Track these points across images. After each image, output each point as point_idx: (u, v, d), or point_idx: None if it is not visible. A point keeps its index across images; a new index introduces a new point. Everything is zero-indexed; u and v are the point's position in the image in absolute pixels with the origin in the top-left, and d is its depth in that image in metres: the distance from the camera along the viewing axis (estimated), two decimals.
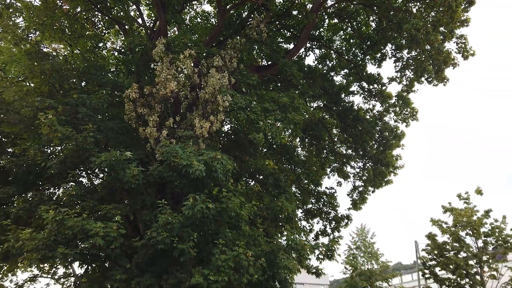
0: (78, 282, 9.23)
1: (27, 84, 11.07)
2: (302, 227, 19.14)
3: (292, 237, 10.69)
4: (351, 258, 28.34)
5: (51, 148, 10.61)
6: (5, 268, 12.65)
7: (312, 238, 19.16)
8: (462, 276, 19.24)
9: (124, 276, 8.62)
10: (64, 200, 9.26)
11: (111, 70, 13.50)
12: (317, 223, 19.58)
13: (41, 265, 9.45)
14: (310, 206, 18.89)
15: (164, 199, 9.64)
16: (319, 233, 18.95)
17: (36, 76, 10.26)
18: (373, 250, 28.06)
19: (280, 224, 11.44)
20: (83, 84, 11.46)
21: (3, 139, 11.03)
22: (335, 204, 18.74)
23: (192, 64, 11.13)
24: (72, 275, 12.20)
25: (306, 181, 19.18)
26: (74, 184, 9.64)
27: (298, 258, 11.15)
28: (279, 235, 11.06)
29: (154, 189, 10.55)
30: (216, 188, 9.83)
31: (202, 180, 10.08)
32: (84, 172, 10.99)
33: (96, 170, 10.72)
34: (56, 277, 12.47)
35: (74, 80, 11.04)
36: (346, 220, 18.25)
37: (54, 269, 12.38)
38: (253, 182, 13.31)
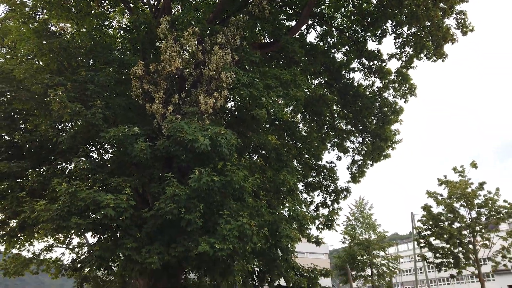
0: (91, 251, 9.80)
1: (37, 62, 11.34)
2: (303, 199, 19.82)
3: (293, 208, 11.24)
4: (349, 229, 29.36)
5: (62, 124, 10.99)
6: (22, 238, 13.29)
7: (313, 209, 19.87)
8: (455, 245, 20.07)
9: (134, 245, 9.18)
10: (76, 174, 9.72)
11: (117, 48, 13.71)
12: (317, 196, 20.23)
13: (56, 235, 10.00)
14: (311, 179, 19.46)
15: (171, 173, 10.14)
16: (319, 205, 19.61)
17: (45, 54, 10.51)
18: (370, 221, 29.01)
19: (282, 196, 11.98)
20: (90, 62, 11.72)
21: (15, 116, 11.39)
22: (335, 177, 19.31)
23: (196, 42, 11.37)
24: (85, 244, 12.87)
25: (307, 156, 19.66)
26: (84, 158, 10.07)
27: (299, 228, 11.78)
28: (281, 206, 11.60)
29: (161, 163, 11.04)
30: (221, 162, 10.29)
31: (207, 154, 10.54)
32: (94, 147, 11.45)
33: (106, 146, 11.17)
34: (71, 246, 13.13)
35: (82, 58, 11.30)
36: (345, 193, 18.85)
37: (68, 239, 13.03)
38: (256, 157, 13.77)
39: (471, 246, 20.37)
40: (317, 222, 12.08)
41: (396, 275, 34.06)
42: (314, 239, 13.16)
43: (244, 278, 11.42)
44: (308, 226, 11.60)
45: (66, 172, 10.90)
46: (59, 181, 8.90)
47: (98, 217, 8.49)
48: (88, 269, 9.66)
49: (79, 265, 10.12)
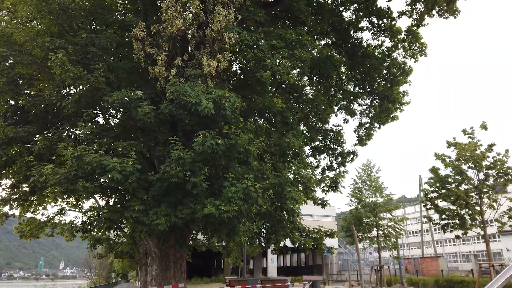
0: (100, 213, 10.04)
1: (37, 25, 11.14)
2: (309, 162, 19.89)
3: (298, 170, 11.26)
4: (356, 192, 29.55)
5: (66, 89, 10.95)
6: (36, 202, 13.61)
7: (319, 173, 19.97)
8: (462, 207, 20.16)
9: (142, 207, 9.36)
10: (82, 138, 9.78)
11: (118, 9, 13.37)
12: (324, 159, 20.25)
13: (67, 199, 10.21)
14: (317, 143, 19.42)
15: (176, 137, 10.15)
16: (326, 168, 19.68)
17: (45, 17, 10.29)
18: (377, 184, 29.09)
19: (288, 159, 11.98)
20: (91, 24, 11.48)
21: (19, 80, 11.35)
22: (342, 140, 19.24)
23: (198, 1, 11.01)
24: (97, 208, 13.18)
25: (314, 119, 19.53)
26: (90, 123, 10.09)
27: (305, 190, 11.86)
28: (286, 169, 11.64)
29: (166, 127, 11.02)
30: (226, 126, 10.24)
31: (212, 118, 10.48)
32: (100, 112, 11.43)
33: (111, 110, 11.16)
34: (83, 210, 13.45)
35: (82, 20, 11.06)
36: (351, 156, 18.83)
37: (80, 202, 13.31)
38: (262, 120, 13.67)
39: (477, 207, 20.45)
40: (322, 184, 12.11)
41: (402, 237, 34.62)
42: (320, 201, 13.27)
43: (250, 238, 11.64)
44: (314, 188, 11.66)
45: (72, 137, 10.97)
46: (65, 145, 8.98)
47: (105, 180, 8.57)
48: (98, 230, 9.89)
49: (89, 227, 10.42)
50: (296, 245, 13.75)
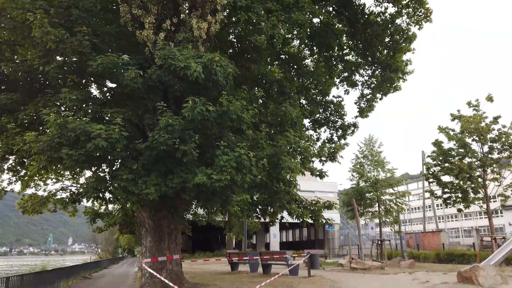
0: (87, 182, 9.72)
1: None
2: (309, 136, 19.46)
3: (295, 140, 10.83)
4: (358, 167, 29.15)
5: (50, 54, 10.42)
6: (35, 177, 13.30)
7: (319, 146, 19.58)
8: (464, 180, 19.76)
9: (130, 176, 9.02)
10: (68, 105, 9.37)
11: None
12: (324, 132, 19.81)
13: (53, 169, 9.84)
14: (317, 115, 18.94)
15: (167, 104, 9.72)
16: (326, 141, 19.27)
17: None
18: (379, 159, 28.63)
19: (285, 129, 11.54)
20: None
21: (2, 46, 10.84)
22: (342, 113, 18.74)
23: None
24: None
25: (314, 92, 18.98)
26: (74, 90, 9.63)
27: (302, 160, 11.46)
28: (283, 139, 11.20)
29: (156, 94, 10.56)
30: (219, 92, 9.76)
31: (204, 84, 10.02)
32: (88, 80, 10.93)
33: (99, 78, 10.67)
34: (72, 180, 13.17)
35: None
36: (352, 128, 18.38)
37: (77, 176, 12.97)
38: (257, 89, 13.15)
39: (480, 180, 20.05)
40: (320, 154, 11.71)
41: (404, 212, 34.42)
42: (318, 172, 12.90)
43: (246, 210, 11.35)
44: (311, 158, 11.26)
45: (58, 105, 10.55)
46: (47, 111, 8.57)
47: (89, 148, 8.19)
48: (87, 200, 9.61)
49: (77, 197, 10.13)
50: (294, 217, 13.49)
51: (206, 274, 20.21)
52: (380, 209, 27.54)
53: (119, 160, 9.40)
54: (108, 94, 10.55)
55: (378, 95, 17.26)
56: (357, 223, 21.68)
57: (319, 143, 19.40)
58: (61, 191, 15.21)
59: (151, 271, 10.75)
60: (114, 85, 10.84)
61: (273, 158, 10.78)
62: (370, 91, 17.42)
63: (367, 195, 27.67)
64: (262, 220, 13.64)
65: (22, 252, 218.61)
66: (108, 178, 9.33)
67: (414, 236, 43.73)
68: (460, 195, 20.58)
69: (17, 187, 17.06)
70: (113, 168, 9.78)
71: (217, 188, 8.99)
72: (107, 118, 9.39)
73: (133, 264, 48.09)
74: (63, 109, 9.78)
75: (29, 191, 17.40)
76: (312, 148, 11.02)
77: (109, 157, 9.50)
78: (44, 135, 8.48)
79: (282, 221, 13.73)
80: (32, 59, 9.66)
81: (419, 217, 74.73)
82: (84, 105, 9.62)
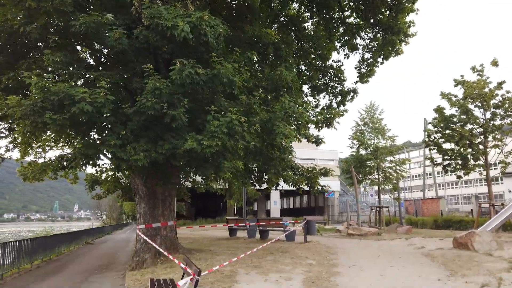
0: (75, 148, 9.49)
1: None
2: (308, 102, 19.04)
3: (289, 105, 10.48)
4: (358, 134, 28.86)
5: (31, 15, 9.91)
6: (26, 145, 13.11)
7: (318, 112, 19.21)
8: (465, 147, 19.47)
9: (118, 142, 8.77)
10: (52, 68, 8.97)
11: None
12: (323, 98, 19.38)
13: (38, 134, 9.57)
14: (316, 81, 18.44)
15: (156, 67, 9.32)
16: (325, 108, 18.88)
17: None
18: (380, 126, 28.27)
19: (280, 94, 11.15)
20: None
21: None
22: (342, 78, 18.24)
23: None
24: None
25: (313, 56, 18.39)
26: (58, 52, 9.19)
27: (297, 127, 11.15)
28: (277, 105, 10.85)
29: (145, 57, 10.13)
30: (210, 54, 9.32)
31: (194, 46, 9.57)
32: (75, 43, 10.45)
33: (83, 39, 10.19)
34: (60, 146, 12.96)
35: None
36: (352, 94, 17.95)
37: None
38: (251, 51, 12.64)
39: (481, 147, 19.76)
40: (314, 119, 11.37)
41: (404, 179, 34.39)
42: (314, 139, 12.62)
43: (240, 177, 11.17)
44: (306, 124, 10.94)
45: (44, 68, 10.14)
46: (29, 74, 8.20)
47: (74, 112, 7.89)
48: (75, 166, 9.40)
49: (65, 163, 9.92)
50: (290, 185, 13.34)
51: (204, 240, 20.43)
52: (380, 176, 27.49)
53: (107, 125, 9.09)
54: (94, 56, 10.08)
55: (379, 59, 16.69)
56: (355, 190, 21.62)
57: (318, 110, 19.05)
58: (60, 159, 15.14)
59: (145, 238, 10.72)
60: (103, 49, 10.37)
61: (267, 124, 10.48)
62: (371, 55, 16.83)
63: (367, 162, 27.54)
64: (258, 187, 13.48)
65: (29, 218, 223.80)
66: (95, 143, 9.05)
67: (413, 203, 44.02)
68: (460, 162, 20.37)
69: (16, 154, 17.00)
70: (102, 134, 9.50)
71: (208, 154, 8.75)
72: (92, 80, 9.00)
73: (136, 230, 48.92)
74: (47, 73, 9.36)
75: (30, 158, 17.36)
76: (307, 113, 10.65)
77: (98, 122, 9.21)
78: (27, 99, 8.16)
79: (278, 188, 13.59)
80: (13, 18, 9.18)
81: (419, 185, 75.14)
82: (70, 68, 9.22)
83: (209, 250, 13.06)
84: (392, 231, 20.43)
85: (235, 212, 48.94)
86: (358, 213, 21.47)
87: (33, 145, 16.44)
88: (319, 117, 11.05)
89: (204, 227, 31.99)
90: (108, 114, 8.91)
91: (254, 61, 11.43)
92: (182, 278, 6.73)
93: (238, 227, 20.81)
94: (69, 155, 9.45)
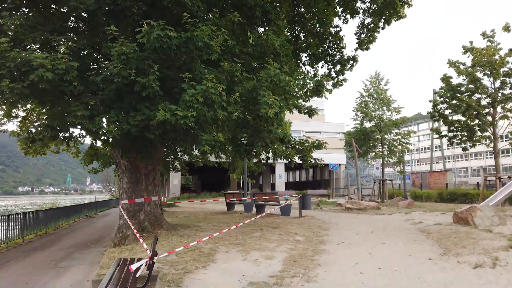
0: (41, 120, 8.90)
1: None
2: (306, 71, 18.13)
3: (275, 72, 9.67)
4: (362, 105, 27.87)
5: None
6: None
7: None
8: (472, 117, 18.51)
9: (86, 113, 8.13)
10: (12, 31, 8.27)
11: None
12: (321, 67, 18.44)
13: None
14: (315, 48, 17.45)
15: (128, 31, 8.57)
16: (324, 77, 17.97)
17: None
18: (385, 97, 27.23)
19: (267, 61, 10.30)
20: None
21: None
22: (341, 45, 17.21)
23: None
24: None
25: (311, 22, 17.33)
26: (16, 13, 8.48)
27: (284, 96, 10.39)
28: (263, 73, 10.03)
29: (118, 20, 9.35)
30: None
31: (167, 6, 8.77)
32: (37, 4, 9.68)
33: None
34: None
35: None
36: (351, 62, 16.97)
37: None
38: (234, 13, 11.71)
39: (489, 117, 18.76)
40: (304, 88, 10.58)
41: (410, 152, 33.47)
42: (306, 110, 11.85)
43: (215, 148, 10.54)
44: (293, 93, 10.16)
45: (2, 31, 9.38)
46: None
47: (33, 80, 7.25)
48: (44, 139, 8.84)
49: (34, 136, 9.36)
50: (282, 158, 12.71)
51: (200, 214, 20.13)
52: (384, 149, 26.70)
53: (75, 94, 8.43)
54: (59, 19, 9.29)
55: (380, 24, 15.59)
56: (355, 163, 20.94)
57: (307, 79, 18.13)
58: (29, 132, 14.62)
59: (125, 216, 10.29)
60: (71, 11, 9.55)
61: (252, 93, 9.75)
62: (371, 20, 15.73)
63: (371, 135, 26.69)
64: (248, 160, 12.86)
65: (43, 191, 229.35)
66: (60, 114, 8.43)
67: (420, 176, 43.25)
68: (466, 133, 19.44)
69: (12, 127, 16.56)
70: (70, 104, 8.86)
71: (183, 126, 8.11)
72: (54, 44, 8.27)
73: None
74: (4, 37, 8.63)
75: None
76: (295, 82, 9.84)
77: (66, 92, 8.56)
78: None
79: (269, 161, 12.98)
80: None
81: (429, 157, 74.08)
82: (32, 33, 8.50)
83: (196, 225, 12.63)
84: (394, 205, 19.85)
85: (241, 186, 48.82)
86: (358, 186, 20.87)
87: (28, 118, 15.94)
88: (308, 86, 10.21)
89: (205, 201, 31.82)
90: (76, 83, 8.25)
91: (239, 24, 10.54)
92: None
93: (236, 202, 20.43)
94: (38, 128, 8.88)
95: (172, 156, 21.54)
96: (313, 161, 12.84)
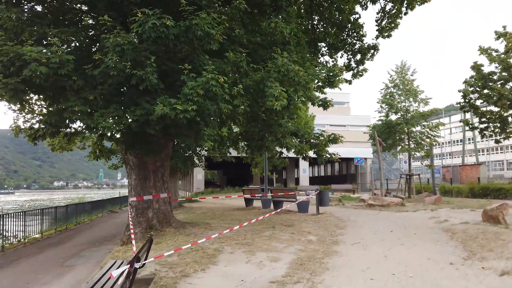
0: (41, 116, 8.69)
1: None
2: (324, 62, 17.36)
3: (283, 62, 9.08)
4: (387, 97, 26.72)
5: None
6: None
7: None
8: (505, 107, 17.22)
9: (84, 108, 7.86)
10: (9, 24, 8.06)
11: None
12: (340, 57, 17.62)
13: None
14: (333, 37, 16.66)
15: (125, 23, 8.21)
16: (344, 68, 17.17)
17: None
18: (412, 87, 25.96)
19: (274, 50, 9.71)
20: None
21: None
22: (361, 33, 16.33)
23: None
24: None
25: (330, 9, 16.51)
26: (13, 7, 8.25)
27: (294, 87, 9.76)
28: (270, 63, 9.46)
29: (114, 13, 9.01)
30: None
31: None
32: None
33: None
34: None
35: None
36: (372, 51, 16.08)
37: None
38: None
39: None
40: (316, 79, 9.91)
41: (439, 145, 31.99)
42: (321, 102, 11.21)
43: (219, 144, 10.08)
44: (304, 84, 9.53)
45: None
46: None
47: (26, 74, 7.00)
48: (46, 136, 8.65)
49: (36, 133, 9.20)
50: (293, 152, 12.12)
51: (218, 210, 19.83)
52: (410, 142, 25.53)
53: (74, 89, 8.15)
54: (57, 11, 9.03)
55: (403, 9, 14.64)
56: (378, 157, 20.02)
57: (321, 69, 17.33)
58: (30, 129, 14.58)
59: (129, 215, 10.03)
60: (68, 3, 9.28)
61: (260, 85, 9.21)
62: (392, 5, 14.78)
63: (397, 128, 25.54)
64: (260, 155, 12.33)
65: (77, 186, 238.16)
66: (59, 110, 8.19)
67: (451, 170, 41.39)
68: (498, 125, 18.15)
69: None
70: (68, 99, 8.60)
71: (183, 120, 7.70)
72: (49, 37, 8.00)
73: None
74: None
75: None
76: (302, 70, 9.19)
77: (66, 87, 8.31)
78: None
79: (291, 156, 12.39)
80: None
81: (461, 150, 71.17)
82: (30, 27, 8.28)
83: (206, 223, 12.26)
84: (420, 201, 18.84)
85: (267, 181, 48.29)
86: (381, 181, 19.94)
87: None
88: (319, 76, 9.54)
89: (226, 197, 31.59)
90: (76, 77, 7.98)
91: (248, 13, 10.00)
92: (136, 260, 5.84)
93: (253, 198, 20.01)
94: (38, 124, 8.71)
95: (191, 152, 21.31)
96: (328, 156, 12.17)
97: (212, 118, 8.37)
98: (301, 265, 7.10)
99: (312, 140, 12.26)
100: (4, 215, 13.58)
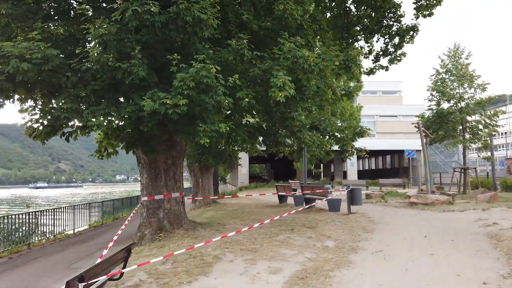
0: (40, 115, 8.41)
1: None
2: (359, 47, 15.92)
3: (289, 47, 8.08)
4: (439, 84, 24.39)
5: None
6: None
7: (372, 60, 16.03)
8: None
9: (74, 106, 7.45)
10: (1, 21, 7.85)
11: None
12: (376, 42, 16.07)
13: None
14: (367, 19, 15.21)
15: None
16: (380, 53, 15.66)
17: None
18: (467, 72, 23.42)
19: (280, 34, 8.72)
20: None
21: None
22: (399, 13, 14.71)
23: None
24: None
25: None
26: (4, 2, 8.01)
27: (306, 76, 8.71)
28: (276, 49, 8.48)
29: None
30: None
31: None
32: None
33: None
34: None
35: None
36: (411, 32, 14.41)
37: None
38: None
39: None
40: (330, 64, 8.72)
41: (502, 135, 28.89)
42: (344, 92, 10.04)
43: (218, 140, 9.27)
44: (319, 71, 8.47)
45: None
46: None
47: (9, 71, 6.69)
48: (42, 136, 8.40)
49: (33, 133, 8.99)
50: (315, 148, 11.04)
51: (250, 207, 19.15)
52: (465, 132, 23.12)
53: (65, 86, 7.79)
54: (49, 7, 8.72)
55: None
56: (422, 149, 18.16)
57: (371, 57, 15.86)
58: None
59: (132, 215, 9.60)
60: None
61: (267, 75, 8.31)
62: None
63: (449, 117, 23.21)
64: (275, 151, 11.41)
65: (137, 179, 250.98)
66: (49, 109, 7.87)
67: None
68: None
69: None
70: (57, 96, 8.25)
71: (174, 116, 7.03)
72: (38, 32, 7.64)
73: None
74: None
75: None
76: (313, 55, 8.10)
77: (62, 84, 7.97)
78: None
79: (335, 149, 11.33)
80: None
81: None
82: (22, 23, 8.02)
83: (221, 224, 11.57)
84: (473, 198, 16.82)
85: (306, 176, 46.90)
86: (427, 177, 18.08)
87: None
88: (334, 61, 8.37)
89: (264, 194, 30.89)
90: (70, 73, 7.60)
91: None
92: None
93: (285, 194, 19.10)
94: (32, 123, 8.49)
95: (223, 147, 20.79)
96: (354, 151, 10.95)
97: (210, 113, 7.61)
98: (302, 279, 6.18)
99: (336, 134, 11.10)
100: (36, 212, 13.92)
